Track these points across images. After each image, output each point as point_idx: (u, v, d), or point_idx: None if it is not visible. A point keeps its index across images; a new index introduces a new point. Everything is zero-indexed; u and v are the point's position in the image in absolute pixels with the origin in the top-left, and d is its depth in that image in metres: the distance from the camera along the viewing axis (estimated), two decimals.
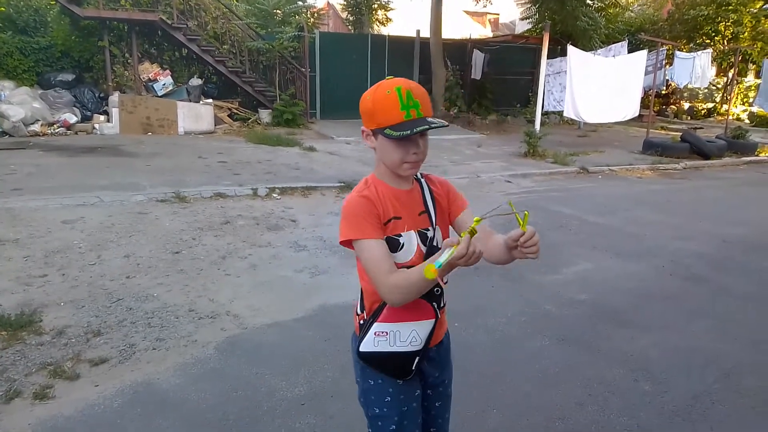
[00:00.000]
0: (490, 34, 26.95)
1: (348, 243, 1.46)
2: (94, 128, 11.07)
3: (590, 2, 15.13)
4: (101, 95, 11.99)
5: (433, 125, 1.43)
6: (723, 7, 17.79)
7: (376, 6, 20.00)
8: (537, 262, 4.95)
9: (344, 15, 21.01)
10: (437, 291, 1.51)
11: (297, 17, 13.82)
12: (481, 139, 13.07)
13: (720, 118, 19.40)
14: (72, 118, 11.04)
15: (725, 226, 6.39)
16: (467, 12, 28.09)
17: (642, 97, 13.08)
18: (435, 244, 1.52)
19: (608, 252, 5.33)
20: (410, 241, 1.50)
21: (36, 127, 10.51)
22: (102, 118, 11.42)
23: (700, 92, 20.15)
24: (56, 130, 10.72)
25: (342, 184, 7.41)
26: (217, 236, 5.18)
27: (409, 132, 1.40)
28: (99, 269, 4.31)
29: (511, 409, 2.80)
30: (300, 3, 14.51)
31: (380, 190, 1.51)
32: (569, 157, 10.46)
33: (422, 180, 1.61)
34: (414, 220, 1.52)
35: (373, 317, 1.51)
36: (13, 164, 7.65)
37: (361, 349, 1.51)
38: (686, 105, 20.97)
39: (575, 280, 4.59)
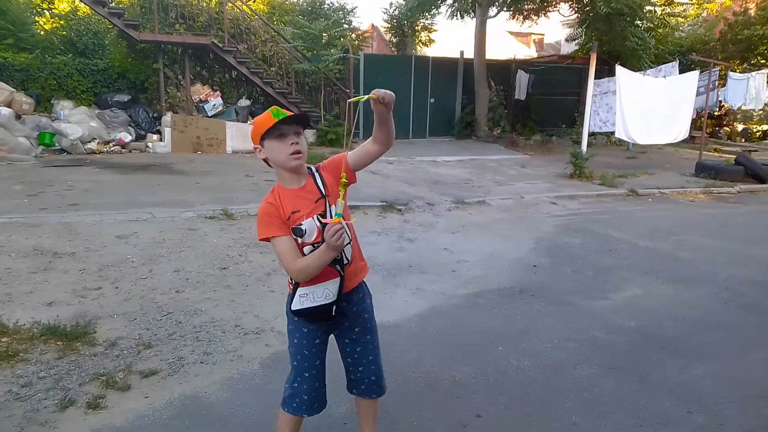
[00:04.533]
0: (535, 55, 26.80)
1: (265, 239, 1.99)
2: (147, 147, 11.52)
3: (639, 23, 14.84)
4: (155, 115, 12.48)
5: (296, 115, 1.96)
6: None
7: (419, 28, 20.19)
8: (585, 286, 4.85)
9: (388, 37, 21.27)
10: (338, 256, 1.96)
11: (342, 40, 14.09)
12: (525, 159, 12.94)
13: None
14: (127, 137, 11.52)
15: None
16: (511, 33, 28.06)
17: (694, 119, 12.72)
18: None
19: (659, 277, 5.17)
20: (311, 225, 1.97)
21: (93, 145, 11.01)
22: (155, 137, 11.87)
23: (755, 114, 19.45)
24: (112, 149, 11.20)
25: (384, 203, 7.44)
26: (262, 253, 5.27)
27: (278, 121, 1.90)
28: (150, 283, 4.44)
29: None
30: (345, 26, 14.80)
31: (281, 194, 2.00)
32: (618, 178, 10.23)
33: (315, 172, 2.06)
34: (312, 207, 1.97)
35: (296, 284, 2.00)
36: (70, 181, 8.01)
37: (292, 308, 2.01)
38: (740, 127, 20.26)
39: (625, 306, 4.45)
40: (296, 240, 1.99)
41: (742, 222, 7.82)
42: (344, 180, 1.88)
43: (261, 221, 1.99)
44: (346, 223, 1.89)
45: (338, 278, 2.02)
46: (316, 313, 2.01)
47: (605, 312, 4.30)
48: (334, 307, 2.01)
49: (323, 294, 1.98)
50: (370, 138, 2.05)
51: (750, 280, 5.19)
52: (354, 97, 1.94)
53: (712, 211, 8.48)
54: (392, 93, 1.85)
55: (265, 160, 2.04)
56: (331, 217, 1.92)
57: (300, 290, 1.99)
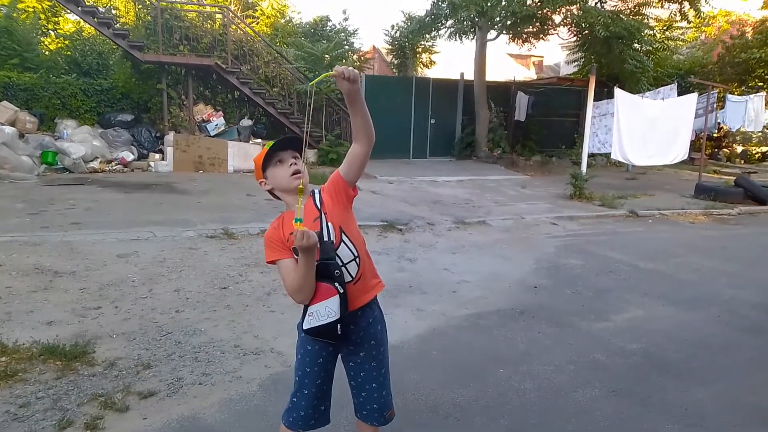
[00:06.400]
0: (534, 76, 27.05)
1: (271, 263, 2.06)
2: (149, 166, 11.57)
3: (638, 46, 15.01)
4: (157, 135, 12.55)
5: (288, 138, 2.10)
6: None
7: (420, 49, 20.41)
8: (586, 308, 4.83)
9: (389, 58, 21.48)
10: (337, 273, 2.01)
11: (344, 61, 14.24)
12: (525, 180, 12.98)
13: None
14: (129, 156, 11.58)
15: None
16: (511, 55, 28.31)
17: (693, 141, 12.79)
18: (327, 238, 2.02)
19: (660, 299, 5.15)
20: None
21: (95, 164, 11.06)
22: (157, 156, 11.93)
23: (754, 136, 19.57)
24: (114, 167, 11.25)
25: (385, 222, 7.45)
26: (262, 273, 5.27)
27: (271, 148, 2.06)
28: (150, 302, 4.43)
29: None
30: (347, 48, 14.97)
31: (285, 216, 2.07)
32: (617, 200, 10.25)
33: (316, 193, 2.11)
34: (310, 227, 1.96)
35: (306, 306, 2.05)
36: (72, 199, 8.03)
37: (303, 327, 2.08)
38: (739, 149, 20.36)
39: (626, 328, 4.44)
40: (297, 261, 2.01)
41: (742, 244, 7.82)
42: (301, 187, 1.93)
43: (266, 246, 2.08)
44: (327, 223, 2.01)
45: (337, 295, 2.02)
46: (323, 332, 2.04)
47: (606, 334, 4.29)
48: (338, 326, 2.03)
49: (325, 312, 2.01)
50: (353, 142, 2.09)
51: (751, 302, 5.17)
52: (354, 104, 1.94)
53: (713, 233, 8.48)
54: (354, 70, 1.87)
55: (271, 192, 2.13)
56: (329, 237, 2.01)
57: (309, 309, 2.05)
